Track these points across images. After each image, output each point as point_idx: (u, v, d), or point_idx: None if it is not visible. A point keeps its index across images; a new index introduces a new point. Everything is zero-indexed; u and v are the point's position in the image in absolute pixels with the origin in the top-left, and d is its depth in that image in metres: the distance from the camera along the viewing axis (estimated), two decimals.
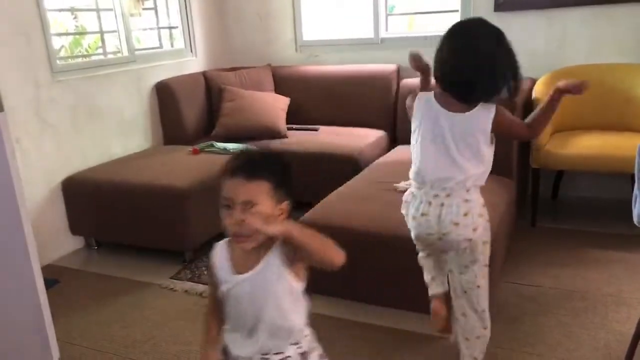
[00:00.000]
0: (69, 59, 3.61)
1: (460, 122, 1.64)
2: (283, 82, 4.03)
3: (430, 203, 1.68)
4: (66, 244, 3.17)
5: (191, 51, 4.10)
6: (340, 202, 2.56)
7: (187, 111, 3.75)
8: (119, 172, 3.10)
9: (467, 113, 1.64)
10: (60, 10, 3.34)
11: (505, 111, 1.68)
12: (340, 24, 4.19)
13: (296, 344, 1.29)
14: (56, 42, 3.25)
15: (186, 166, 3.11)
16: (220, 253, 1.29)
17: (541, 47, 3.41)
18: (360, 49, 3.96)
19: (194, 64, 4.09)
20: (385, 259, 2.25)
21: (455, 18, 3.61)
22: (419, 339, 2.17)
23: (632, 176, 1.82)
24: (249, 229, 1.13)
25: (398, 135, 3.67)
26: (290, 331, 1.28)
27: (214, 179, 1.32)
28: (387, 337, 2.18)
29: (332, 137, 3.56)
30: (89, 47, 4.00)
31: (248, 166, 1.18)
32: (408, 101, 1.79)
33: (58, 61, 3.13)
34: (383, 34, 3.93)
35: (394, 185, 2.60)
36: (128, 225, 3.00)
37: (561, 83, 1.67)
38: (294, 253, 1.20)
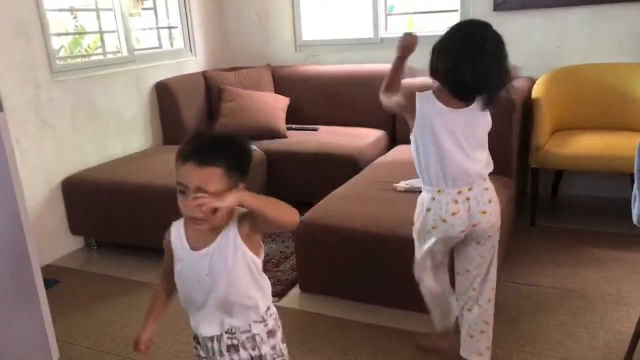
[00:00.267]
0: (69, 59, 3.61)
1: (465, 116, 1.68)
2: (282, 82, 4.03)
3: (456, 201, 1.72)
4: (66, 244, 3.17)
5: (191, 51, 4.10)
6: (340, 202, 2.56)
7: (187, 111, 3.75)
8: (119, 172, 3.10)
9: (468, 107, 1.68)
10: (60, 10, 3.34)
11: None
12: (339, 23, 4.19)
13: (262, 321, 1.31)
14: (56, 42, 3.25)
15: None
16: (176, 231, 1.32)
17: (540, 47, 3.41)
18: (360, 48, 3.96)
19: (194, 64, 4.09)
20: (385, 259, 2.25)
21: (455, 18, 3.61)
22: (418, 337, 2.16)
23: (632, 176, 1.82)
24: (204, 212, 1.15)
25: (398, 135, 3.67)
26: (251, 308, 1.29)
27: None
28: (387, 336, 2.18)
29: (331, 137, 3.56)
30: (88, 47, 4.00)
31: (199, 152, 1.18)
32: (400, 99, 1.77)
33: (58, 61, 3.13)
34: (383, 33, 3.94)
35: (394, 185, 2.60)
36: (128, 225, 3.00)
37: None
38: (249, 226, 1.23)
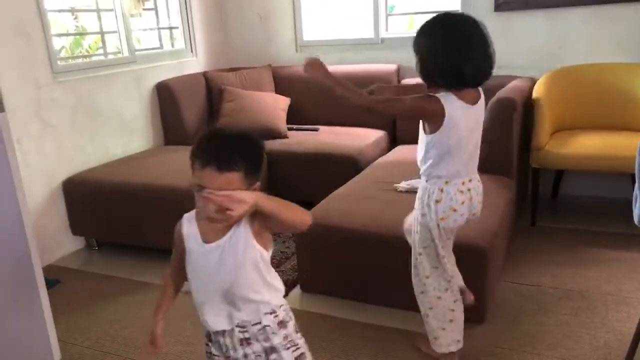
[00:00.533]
0: (70, 60, 3.62)
1: (477, 111, 1.74)
2: (283, 82, 4.03)
3: (462, 192, 1.76)
4: (67, 245, 3.18)
5: (191, 51, 4.10)
6: (341, 202, 2.56)
7: (188, 111, 3.75)
8: (120, 173, 3.10)
9: (479, 102, 1.73)
10: (61, 10, 3.35)
11: None
12: (340, 24, 4.20)
13: (272, 312, 1.32)
14: (57, 43, 3.26)
15: (186, 166, 3.09)
16: (188, 223, 1.34)
17: (541, 47, 3.40)
18: (361, 49, 3.96)
19: (194, 64, 4.09)
20: (386, 259, 2.26)
21: None
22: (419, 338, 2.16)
23: (632, 176, 1.82)
24: (223, 215, 1.17)
25: (398, 135, 3.67)
26: (261, 302, 1.30)
27: None
28: (387, 336, 2.18)
29: (332, 137, 3.57)
30: (89, 47, 4.01)
31: (218, 156, 1.19)
32: (419, 104, 1.70)
33: (58, 62, 3.13)
34: (383, 34, 3.94)
35: (394, 185, 2.61)
36: (129, 225, 3.00)
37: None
38: (259, 224, 1.25)
